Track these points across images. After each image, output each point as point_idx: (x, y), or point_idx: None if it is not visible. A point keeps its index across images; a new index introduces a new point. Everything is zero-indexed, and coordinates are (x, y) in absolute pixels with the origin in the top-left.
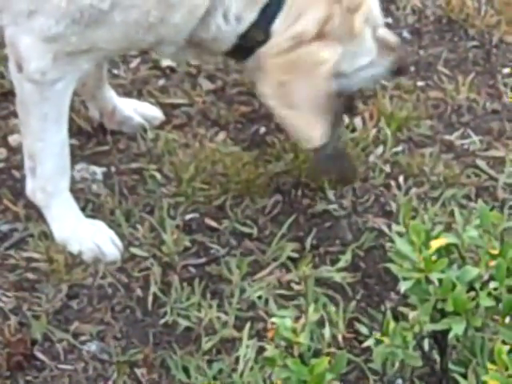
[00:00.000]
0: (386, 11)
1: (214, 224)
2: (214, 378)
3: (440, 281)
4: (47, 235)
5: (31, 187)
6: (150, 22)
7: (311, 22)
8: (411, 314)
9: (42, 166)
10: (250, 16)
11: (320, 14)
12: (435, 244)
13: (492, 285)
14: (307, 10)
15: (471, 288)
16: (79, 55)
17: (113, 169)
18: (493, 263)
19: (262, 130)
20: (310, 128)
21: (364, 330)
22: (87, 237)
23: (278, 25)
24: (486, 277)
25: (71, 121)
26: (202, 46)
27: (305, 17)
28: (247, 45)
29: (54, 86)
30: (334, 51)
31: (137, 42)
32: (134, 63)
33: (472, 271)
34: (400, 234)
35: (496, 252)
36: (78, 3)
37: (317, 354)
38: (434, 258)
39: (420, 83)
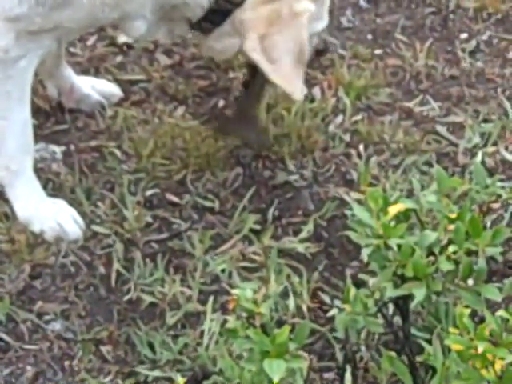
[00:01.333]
0: None
1: (175, 199)
2: (180, 353)
3: (399, 246)
4: (8, 216)
5: None
6: (115, 0)
7: None
8: (371, 281)
9: (5, 144)
10: None
11: None
12: (393, 210)
13: (451, 249)
14: None
15: (430, 253)
16: (42, 33)
17: (72, 147)
18: (451, 227)
19: (221, 103)
20: (291, 81)
21: (328, 299)
22: (49, 216)
23: None
24: (444, 241)
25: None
26: (173, 18)
27: None
28: (223, 8)
29: (16, 64)
30: (308, 4)
31: (102, 20)
32: (90, 41)
33: (431, 236)
34: (359, 202)
35: (454, 216)
36: None
37: (281, 324)
38: (392, 223)
39: (378, 51)
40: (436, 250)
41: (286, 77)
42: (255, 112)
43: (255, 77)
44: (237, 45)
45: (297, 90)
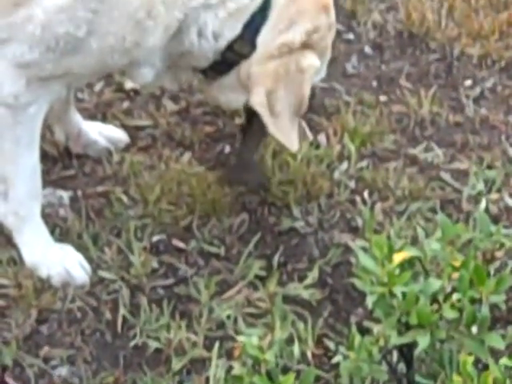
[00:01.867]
0: (348, 27)
1: (181, 245)
2: None
3: (404, 294)
4: (16, 261)
5: (3, 211)
6: (125, 47)
7: (300, 32)
8: (376, 328)
9: (14, 189)
10: (232, 32)
11: (310, 25)
12: (398, 257)
13: (455, 296)
14: (298, 20)
15: (435, 300)
16: (53, 79)
17: (79, 192)
18: (455, 275)
19: (227, 149)
20: (288, 133)
21: (332, 345)
22: (56, 261)
23: (264, 36)
24: (448, 289)
25: None
26: (180, 65)
27: (295, 27)
28: (229, 60)
29: (26, 110)
30: (315, 61)
31: (111, 66)
32: (98, 86)
33: (435, 283)
34: (364, 249)
35: (458, 264)
36: (53, 31)
37: (286, 371)
38: (397, 271)
39: (383, 98)
40: (440, 298)
41: (284, 129)
42: (254, 156)
43: (253, 122)
44: (240, 100)
45: (293, 141)
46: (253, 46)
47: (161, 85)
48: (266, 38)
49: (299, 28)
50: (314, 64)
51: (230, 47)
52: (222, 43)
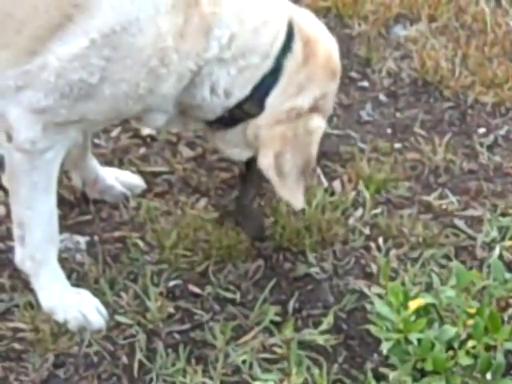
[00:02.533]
0: (362, 75)
1: (197, 290)
2: None
3: (419, 341)
4: (33, 305)
5: (20, 256)
6: (139, 93)
7: (309, 98)
8: (392, 375)
9: (30, 234)
10: (242, 92)
11: (318, 92)
12: (413, 305)
13: (470, 343)
14: (308, 86)
15: (450, 347)
16: (68, 125)
17: (96, 238)
18: (470, 322)
19: None
20: (294, 193)
21: None
22: (73, 305)
23: (273, 98)
24: (463, 336)
25: None
26: (188, 114)
27: (305, 92)
28: (236, 116)
29: (43, 155)
30: (322, 123)
31: (125, 112)
32: (114, 132)
33: (450, 330)
34: (380, 296)
35: (473, 311)
36: (67, 78)
37: None
38: (412, 318)
39: (397, 145)
40: (455, 345)
41: (290, 189)
42: (252, 203)
43: (251, 169)
44: (242, 154)
45: (298, 200)
46: (261, 107)
47: (170, 130)
48: (275, 101)
49: (308, 94)
50: (320, 126)
51: (239, 106)
52: (232, 101)
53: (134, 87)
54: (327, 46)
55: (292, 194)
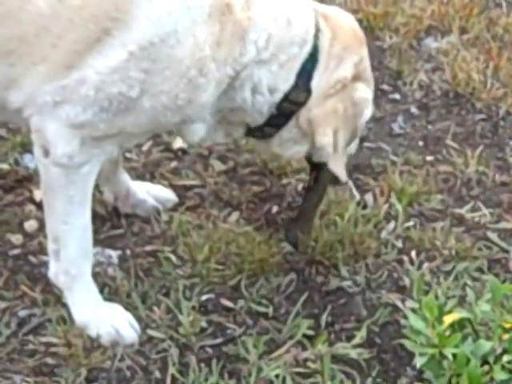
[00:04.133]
0: (394, 87)
1: (229, 304)
2: None
3: (454, 356)
4: (65, 320)
5: (54, 270)
6: (178, 104)
7: (350, 65)
8: None
9: (65, 248)
10: (287, 84)
11: (356, 57)
12: (448, 319)
13: (506, 358)
14: (345, 55)
15: (485, 362)
16: (106, 139)
17: (128, 252)
18: (506, 336)
19: (275, 209)
20: (342, 167)
21: None
22: (105, 320)
23: (317, 79)
24: (499, 350)
25: None
26: (230, 121)
27: (344, 62)
28: (286, 111)
29: (80, 170)
30: (367, 92)
31: (164, 124)
32: (146, 146)
33: (485, 345)
34: (413, 310)
35: (509, 325)
36: (107, 91)
37: None
38: (447, 333)
39: (429, 158)
40: (491, 360)
41: (340, 163)
42: (315, 214)
43: (319, 182)
44: (302, 150)
45: (344, 173)
46: (308, 92)
47: (213, 141)
48: (321, 81)
49: (348, 62)
50: (365, 96)
51: (286, 98)
52: (278, 96)
53: (173, 99)
54: (346, 18)
55: (341, 168)
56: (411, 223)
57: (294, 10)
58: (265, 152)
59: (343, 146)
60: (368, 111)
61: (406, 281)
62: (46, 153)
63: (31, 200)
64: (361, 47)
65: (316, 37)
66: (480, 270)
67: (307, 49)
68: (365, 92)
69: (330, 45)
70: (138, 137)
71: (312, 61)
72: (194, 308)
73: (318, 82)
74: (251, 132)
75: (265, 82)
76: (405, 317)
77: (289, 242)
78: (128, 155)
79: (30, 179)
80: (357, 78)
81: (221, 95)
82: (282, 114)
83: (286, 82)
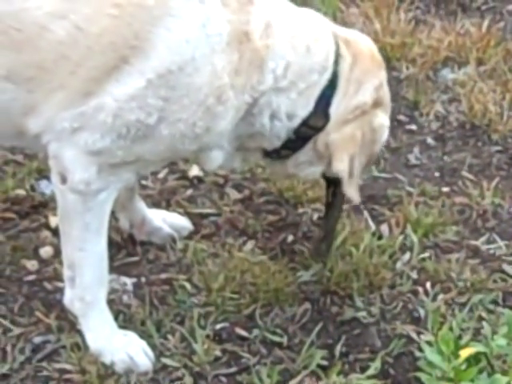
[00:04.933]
0: (410, 118)
1: (244, 333)
2: None
3: None
4: (80, 346)
5: (69, 297)
6: (196, 132)
7: (370, 90)
8: None
9: (81, 275)
10: (305, 110)
11: (376, 80)
12: (464, 353)
13: None
14: (365, 80)
15: None
16: (123, 166)
17: (143, 279)
18: None
19: (290, 238)
20: (356, 189)
21: None
22: (120, 348)
23: (336, 105)
24: None
25: None
26: (248, 147)
27: (364, 86)
28: (304, 135)
29: (97, 196)
30: (385, 119)
31: (181, 152)
32: (161, 174)
33: (501, 380)
34: (429, 343)
35: None
36: (125, 118)
37: None
38: (463, 367)
39: (445, 189)
40: None
41: (354, 186)
42: (336, 225)
43: (337, 197)
44: (317, 171)
45: (357, 195)
46: (326, 118)
47: (231, 168)
48: (339, 107)
49: (367, 86)
50: (384, 123)
51: (304, 123)
52: (296, 122)
53: (191, 126)
54: (366, 42)
55: (354, 190)
56: (426, 254)
57: (314, 36)
58: (279, 173)
59: (359, 171)
60: (385, 136)
61: (421, 312)
62: (64, 179)
63: (47, 226)
64: (380, 71)
65: (336, 63)
66: (495, 302)
67: (327, 76)
68: (384, 119)
69: (350, 70)
70: (155, 164)
71: (331, 87)
72: (208, 337)
73: (336, 108)
74: (267, 154)
75: (283, 108)
76: (419, 348)
77: (315, 256)
78: (144, 183)
79: (45, 205)
80: (377, 103)
81: (239, 122)
82: (300, 138)
83: (304, 109)
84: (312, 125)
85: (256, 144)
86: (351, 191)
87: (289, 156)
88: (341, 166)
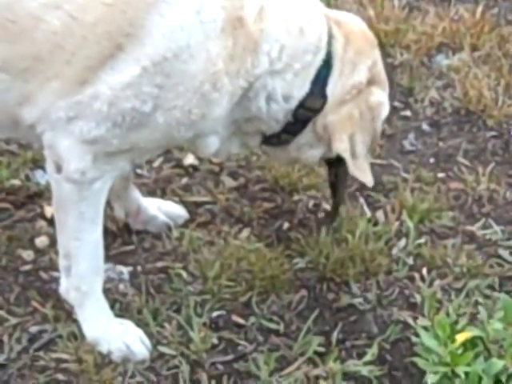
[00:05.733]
0: (405, 104)
1: (240, 320)
2: None
3: (466, 374)
4: (76, 336)
5: (65, 286)
6: (191, 119)
7: (364, 70)
8: None
9: (77, 265)
10: (302, 91)
11: (369, 61)
12: (460, 338)
13: None
14: (359, 60)
15: (497, 380)
16: (118, 154)
17: (139, 268)
18: None
19: (286, 225)
20: (365, 172)
21: None
22: (116, 336)
23: (333, 85)
24: (511, 369)
25: None
26: (245, 131)
27: (358, 67)
28: (303, 117)
29: (92, 185)
30: (382, 95)
31: (177, 139)
32: (156, 162)
33: (498, 364)
34: (425, 328)
35: None
36: (120, 107)
37: None
38: (459, 351)
39: (440, 175)
40: (503, 378)
41: (362, 168)
42: (344, 201)
43: (339, 176)
44: (317, 153)
45: (368, 177)
46: (324, 98)
47: (229, 153)
48: (336, 87)
49: (362, 66)
50: (381, 99)
51: (302, 105)
52: (293, 103)
53: (186, 114)
54: (356, 22)
55: (364, 173)
56: (422, 240)
57: (307, 18)
58: (281, 158)
59: (363, 151)
60: (385, 112)
61: (417, 298)
62: (59, 169)
63: (42, 216)
64: (373, 50)
65: (329, 43)
66: (491, 287)
67: (321, 56)
68: (380, 95)
69: (343, 50)
70: (150, 152)
71: (326, 67)
72: (204, 324)
73: (333, 88)
74: (267, 140)
75: (279, 90)
76: (416, 334)
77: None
78: (139, 171)
79: (40, 195)
80: (371, 82)
81: (234, 106)
82: (299, 121)
83: (301, 90)
84: (309, 106)
85: (254, 128)
86: (360, 173)
87: (289, 141)
88: (341, 146)
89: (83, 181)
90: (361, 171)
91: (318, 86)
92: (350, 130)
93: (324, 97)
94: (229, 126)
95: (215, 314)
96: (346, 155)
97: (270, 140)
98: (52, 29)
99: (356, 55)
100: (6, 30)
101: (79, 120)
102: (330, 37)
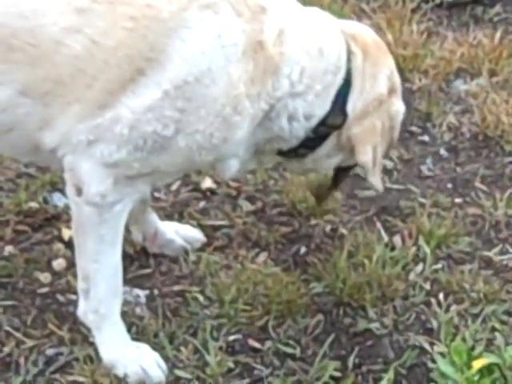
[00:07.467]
0: (423, 129)
1: (256, 345)
2: None
3: None
4: (92, 359)
5: (83, 308)
6: (213, 143)
7: (384, 80)
8: None
9: (95, 287)
10: (322, 110)
11: (386, 70)
12: (477, 364)
13: None
14: (377, 72)
15: None
16: (139, 178)
17: (156, 291)
18: None
19: (303, 250)
20: (379, 176)
21: None
22: (133, 360)
23: (353, 102)
24: None
25: None
26: (263, 150)
27: (378, 77)
28: (322, 133)
29: (112, 208)
30: (401, 105)
31: (198, 163)
32: (174, 186)
33: None
34: (442, 354)
35: None
36: (141, 130)
37: None
38: (476, 378)
39: (458, 200)
40: None
41: (377, 174)
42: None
43: (337, 179)
44: (334, 161)
45: (380, 183)
46: (344, 115)
47: (246, 170)
48: (356, 103)
49: (381, 77)
50: (400, 109)
51: (323, 123)
52: (314, 121)
53: (208, 138)
54: (367, 32)
55: (378, 179)
56: (439, 265)
57: (325, 38)
58: (296, 169)
59: (381, 159)
60: (401, 119)
61: (434, 323)
62: (79, 192)
63: (60, 238)
64: (387, 57)
65: (349, 60)
66: (508, 313)
67: (341, 75)
68: (399, 105)
69: (362, 65)
70: (171, 175)
71: (347, 85)
72: (221, 348)
73: (353, 105)
74: (284, 153)
75: (300, 110)
76: (432, 360)
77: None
78: (157, 195)
79: (58, 218)
80: (391, 90)
81: (256, 128)
82: (318, 137)
83: (321, 109)
84: (330, 123)
85: (272, 147)
86: (375, 179)
87: (306, 155)
88: (365, 158)
89: (104, 204)
90: (376, 177)
91: (339, 104)
92: (374, 141)
93: (344, 114)
94: (250, 148)
95: (231, 337)
96: (369, 166)
97: (286, 154)
98: (73, 53)
99: (374, 67)
100: (27, 54)
101: (100, 143)
102: (349, 53)
